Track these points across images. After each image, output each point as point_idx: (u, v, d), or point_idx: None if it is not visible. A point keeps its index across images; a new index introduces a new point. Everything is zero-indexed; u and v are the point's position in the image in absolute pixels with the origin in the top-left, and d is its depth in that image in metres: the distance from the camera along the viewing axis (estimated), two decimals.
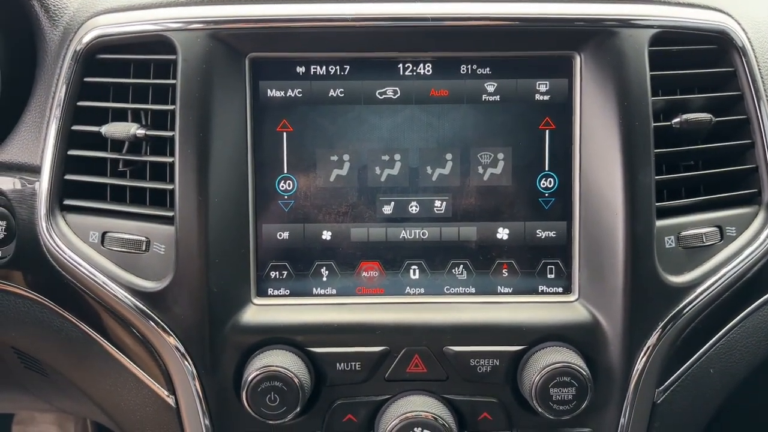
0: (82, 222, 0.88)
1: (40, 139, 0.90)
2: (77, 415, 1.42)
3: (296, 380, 0.81)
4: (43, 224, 0.88)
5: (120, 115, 0.89)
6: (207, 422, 0.86)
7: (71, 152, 0.88)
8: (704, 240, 0.87)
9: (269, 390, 0.81)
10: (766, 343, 0.96)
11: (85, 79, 0.88)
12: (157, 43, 0.86)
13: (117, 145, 0.89)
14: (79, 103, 0.88)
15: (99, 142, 0.89)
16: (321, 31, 0.85)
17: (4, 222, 0.91)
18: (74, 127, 0.88)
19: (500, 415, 0.86)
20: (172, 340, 0.85)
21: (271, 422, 0.83)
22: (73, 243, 0.87)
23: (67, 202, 0.89)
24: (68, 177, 0.88)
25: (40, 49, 0.93)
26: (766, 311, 0.94)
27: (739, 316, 0.93)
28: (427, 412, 0.83)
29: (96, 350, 0.91)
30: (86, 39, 0.87)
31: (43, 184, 0.88)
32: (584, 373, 0.82)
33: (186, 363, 0.85)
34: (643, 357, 0.85)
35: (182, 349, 0.85)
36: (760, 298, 0.93)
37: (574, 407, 0.82)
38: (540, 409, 0.82)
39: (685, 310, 0.86)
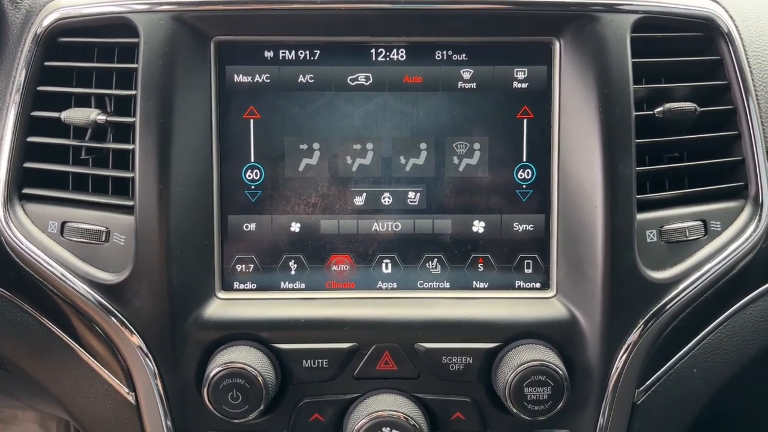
0: (41, 211, 0.86)
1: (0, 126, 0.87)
2: (46, 412, 1.38)
3: (260, 378, 0.78)
4: (1, 214, 0.85)
5: (84, 101, 0.86)
6: (168, 422, 0.84)
7: (30, 139, 0.85)
8: (687, 234, 0.85)
9: (231, 387, 0.78)
10: (750, 343, 0.93)
11: (46, 63, 0.85)
12: (121, 25, 0.83)
13: (82, 132, 0.86)
14: (39, 88, 0.85)
15: (62, 129, 0.86)
16: (290, 13, 0.82)
17: None
18: (34, 113, 0.85)
19: (473, 415, 0.84)
20: (135, 339, 0.82)
21: (234, 421, 0.80)
22: (32, 233, 0.85)
23: (26, 190, 0.86)
24: (27, 165, 0.86)
25: (2, 33, 0.90)
26: (752, 310, 0.92)
27: (724, 315, 0.90)
28: (397, 411, 0.80)
29: (56, 345, 0.89)
30: (47, 21, 0.84)
31: (1, 172, 0.85)
32: (561, 372, 0.79)
33: (147, 360, 0.82)
34: (622, 355, 0.82)
35: (144, 347, 0.82)
36: (746, 296, 0.90)
37: (550, 407, 0.80)
38: (514, 410, 0.80)
39: (667, 307, 0.83)
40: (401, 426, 0.79)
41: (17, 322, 0.90)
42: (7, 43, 0.89)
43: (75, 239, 0.84)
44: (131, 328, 0.81)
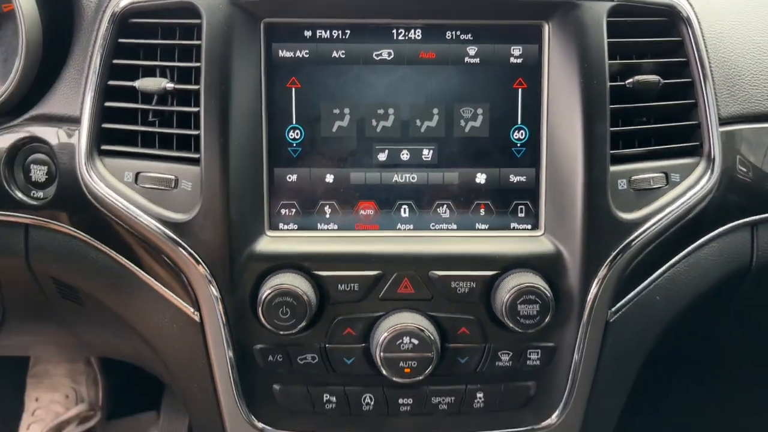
0: (117, 164, 1.00)
1: (79, 93, 1.02)
2: (100, 352, 1.53)
3: (305, 296, 0.93)
4: (84, 167, 0.99)
5: (149, 72, 1.00)
6: (227, 337, 0.99)
7: (108, 104, 1.00)
8: (652, 184, 1.00)
9: (281, 304, 0.93)
10: (704, 278, 1.10)
11: (119, 40, 0.99)
12: (183, 9, 0.97)
13: (147, 98, 1.01)
14: (115, 61, 1.00)
15: (130, 96, 1.01)
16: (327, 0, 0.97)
17: (45, 167, 1.04)
18: (110, 82, 1.00)
19: (476, 330, 0.99)
20: (201, 268, 0.97)
21: (282, 333, 0.95)
22: (110, 182, 0.99)
23: (104, 147, 1.00)
24: (105, 125, 1.00)
25: (76, 15, 1.04)
26: (705, 250, 1.08)
27: (682, 253, 1.06)
28: (414, 324, 0.96)
29: (128, 277, 1.04)
30: (122, 4, 0.98)
31: (83, 132, 1.00)
32: (547, 293, 0.95)
33: (211, 287, 0.97)
34: (597, 282, 0.98)
35: (208, 275, 0.97)
36: (701, 239, 1.07)
37: (539, 321, 0.95)
38: (510, 324, 0.95)
39: (634, 243, 0.98)
40: (417, 335, 0.96)
41: (93, 260, 1.05)
42: (82, 23, 1.04)
43: (148, 186, 0.98)
44: (198, 259, 0.97)
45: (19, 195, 1.04)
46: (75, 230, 1.05)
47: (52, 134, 1.03)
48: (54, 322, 1.26)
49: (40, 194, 1.04)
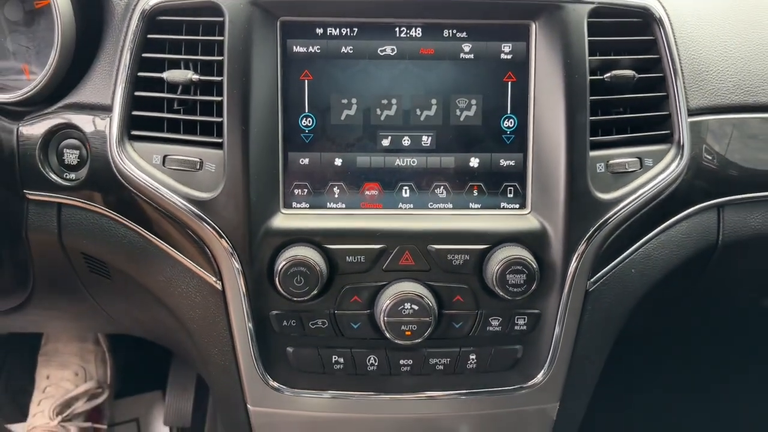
0: (146, 148, 1.05)
1: (110, 84, 1.09)
2: (121, 327, 1.58)
3: (317, 267, 1.03)
4: (115, 150, 1.07)
5: (173, 65, 1.09)
6: (246, 304, 1.09)
7: (137, 93, 1.08)
8: (627, 167, 1.07)
9: (296, 274, 1.03)
10: (676, 254, 1.20)
11: (148, 36, 1.08)
12: (207, 7, 1.05)
13: (172, 89, 1.09)
14: (144, 55, 1.08)
15: (158, 86, 1.09)
16: (337, 1, 1.05)
17: (77, 151, 1.12)
18: (140, 74, 1.08)
19: (469, 297, 1.06)
20: (224, 242, 1.05)
21: (296, 300, 1.05)
22: (140, 164, 1.07)
23: (134, 132, 1.08)
24: (135, 113, 1.08)
25: (107, 13, 1.12)
26: (676, 229, 1.18)
27: (654, 231, 1.16)
28: (414, 292, 1.05)
29: (154, 251, 1.12)
30: (152, 2, 1.06)
31: (115, 119, 1.07)
32: (533, 265, 1.05)
33: (233, 259, 1.06)
34: (577, 255, 1.07)
35: (230, 248, 1.06)
36: (671, 219, 1.17)
37: (525, 290, 1.05)
38: (500, 292, 1.03)
39: (611, 220, 1.08)
40: (417, 302, 1.04)
41: (122, 236, 1.14)
42: (112, 20, 1.12)
43: (174, 168, 1.06)
44: (221, 233, 1.05)
45: (53, 177, 1.12)
46: (105, 209, 1.13)
47: (84, 121, 1.11)
48: (78, 297, 1.34)
49: (72, 176, 1.12)
